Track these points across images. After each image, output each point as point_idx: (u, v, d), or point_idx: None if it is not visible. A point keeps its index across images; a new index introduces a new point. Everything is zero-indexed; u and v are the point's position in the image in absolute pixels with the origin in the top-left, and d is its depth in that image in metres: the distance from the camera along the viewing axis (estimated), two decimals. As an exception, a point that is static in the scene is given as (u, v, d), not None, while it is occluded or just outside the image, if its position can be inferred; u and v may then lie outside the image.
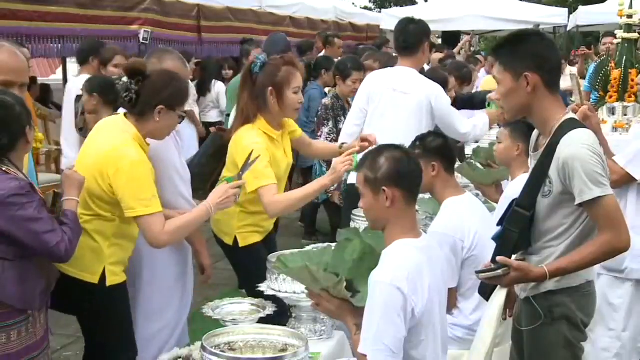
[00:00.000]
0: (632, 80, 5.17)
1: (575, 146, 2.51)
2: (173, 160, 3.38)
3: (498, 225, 2.76)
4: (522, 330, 2.72)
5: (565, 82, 5.22)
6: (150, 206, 2.98)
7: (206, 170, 3.78)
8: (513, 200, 2.71)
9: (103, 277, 3.07)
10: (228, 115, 6.16)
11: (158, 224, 3.00)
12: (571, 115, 2.67)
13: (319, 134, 6.07)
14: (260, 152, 3.35)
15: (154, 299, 3.41)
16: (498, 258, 2.60)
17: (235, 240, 3.64)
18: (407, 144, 3.52)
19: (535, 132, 2.81)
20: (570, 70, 9.30)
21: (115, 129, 3.11)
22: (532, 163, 2.74)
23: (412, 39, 4.75)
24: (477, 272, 2.68)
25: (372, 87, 4.80)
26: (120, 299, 3.17)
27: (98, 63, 5.51)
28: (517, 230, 2.64)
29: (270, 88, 3.49)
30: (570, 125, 2.58)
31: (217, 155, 3.75)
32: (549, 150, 2.58)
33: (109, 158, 2.99)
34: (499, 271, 2.58)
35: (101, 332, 3.16)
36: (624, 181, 3.36)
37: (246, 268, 3.63)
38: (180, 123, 3.24)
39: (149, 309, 3.39)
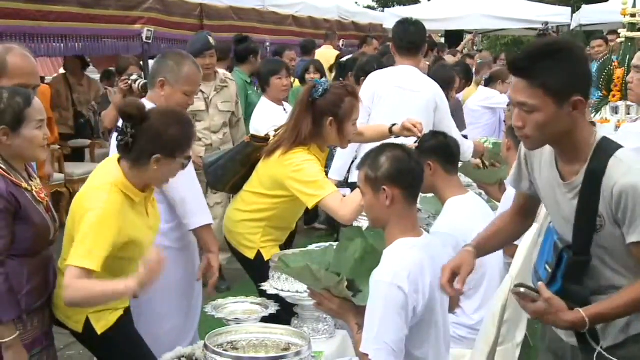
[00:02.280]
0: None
1: (636, 174, 2.09)
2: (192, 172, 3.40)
3: (551, 285, 2.22)
4: None
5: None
6: (86, 259, 2.58)
7: (229, 173, 3.75)
8: (562, 251, 2.22)
9: (89, 326, 2.85)
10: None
11: (78, 282, 2.57)
12: (603, 133, 2.25)
13: None
14: (316, 165, 3.37)
15: (158, 302, 3.36)
16: (539, 284, 2.20)
17: (259, 254, 3.58)
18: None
19: (540, 154, 2.34)
20: None
21: (102, 171, 2.88)
22: (561, 196, 2.24)
23: (418, 40, 4.81)
24: (517, 286, 2.26)
25: (377, 86, 4.81)
26: (120, 341, 2.91)
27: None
28: (581, 283, 2.21)
29: (330, 118, 3.40)
30: (609, 146, 2.18)
31: (243, 161, 3.71)
32: (590, 179, 2.14)
33: (82, 198, 2.78)
34: (534, 293, 2.18)
35: None
36: None
37: None
38: (184, 168, 2.90)
39: (154, 313, 3.36)
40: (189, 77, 3.49)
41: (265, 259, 3.51)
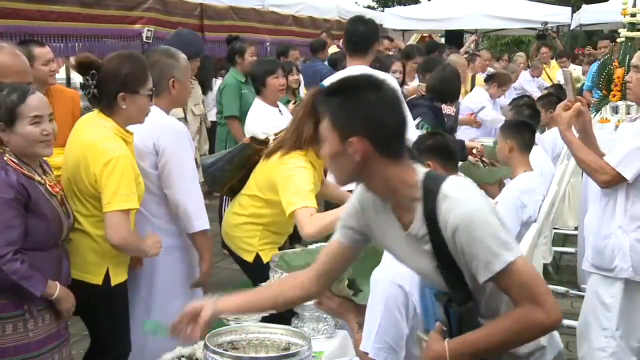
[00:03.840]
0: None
1: (462, 205, 1.89)
2: (192, 164, 3.38)
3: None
4: None
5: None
6: (128, 202, 2.96)
7: (227, 175, 3.74)
8: (447, 307, 1.99)
9: (107, 277, 3.07)
10: (230, 117, 6.02)
11: (126, 223, 2.97)
12: (423, 170, 2.01)
13: None
14: (307, 175, 3.34)
15: (169, 301, 3.35)
16: (437, 323, 2.03)
17: (258, 257, 3.58)
18: None
19: (371, 200, 2.08)
20: (561, 68, 9.40)
21: (95, 125, 3.06)
22: (411, 248, 2.01)
23: (363, 43, 4.62)
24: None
25: None
26: (122, 297, 3.18)
27: None
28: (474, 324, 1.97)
29: None
30: (434, 182, 1.95)
31: (241, 163, 3.70)
32: (431, 227, 1.93)
33: (93, 152, 2.96)
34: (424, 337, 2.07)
35: (104, 332, 3.15)
36: (615, 181, 3.34)
37: None
38: (152, 100, 3.14)
39: (165, 311, 3.32)
40: (188, 67, 3.52)
41: (265, 262, 3.50)
